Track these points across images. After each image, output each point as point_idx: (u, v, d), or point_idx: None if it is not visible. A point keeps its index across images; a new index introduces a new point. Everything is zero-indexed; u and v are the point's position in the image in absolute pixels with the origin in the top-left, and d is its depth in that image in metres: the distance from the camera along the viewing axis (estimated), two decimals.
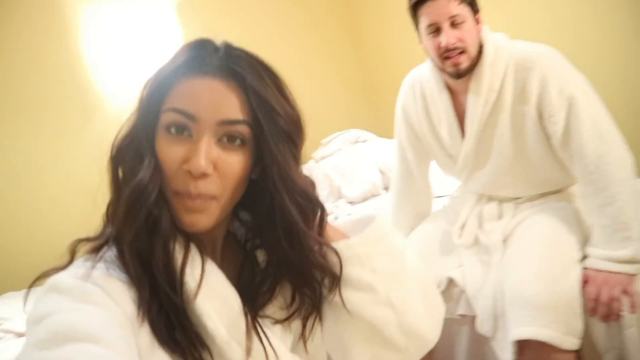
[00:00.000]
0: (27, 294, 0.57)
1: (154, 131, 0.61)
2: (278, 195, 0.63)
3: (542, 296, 1.15)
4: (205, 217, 0.61)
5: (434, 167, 1.66)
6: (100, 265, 0.57)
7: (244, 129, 0.61)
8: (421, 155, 1.60)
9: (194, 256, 0.61)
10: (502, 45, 1.33)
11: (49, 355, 0.46)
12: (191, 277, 0.59)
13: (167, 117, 0.60)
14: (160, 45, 2.47)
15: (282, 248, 0.65)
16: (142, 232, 0.58)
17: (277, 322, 0.67)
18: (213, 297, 0.60)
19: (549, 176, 1.40)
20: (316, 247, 0.66)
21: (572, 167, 1.28)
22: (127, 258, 0.57)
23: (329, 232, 0.70)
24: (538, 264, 1.22)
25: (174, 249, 0.59)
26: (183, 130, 0.60)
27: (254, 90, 0.60)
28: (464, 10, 1.28)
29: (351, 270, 0.67)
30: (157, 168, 0.59)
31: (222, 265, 0.65)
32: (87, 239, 0.61)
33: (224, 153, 0.60)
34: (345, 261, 0.67)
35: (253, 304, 0.65)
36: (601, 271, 1.18)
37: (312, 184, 0.68)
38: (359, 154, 2.66)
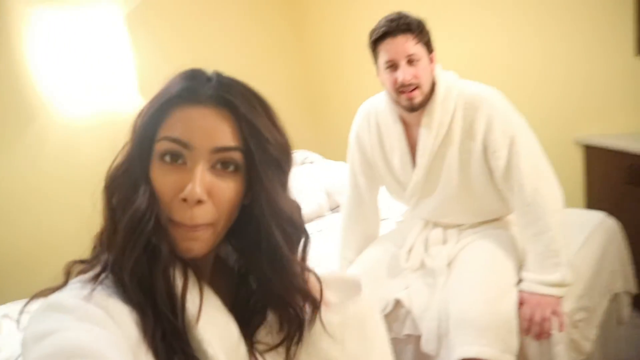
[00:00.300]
0: (21, 313, 0.56)
1: (148, 160, 0.62)
2: (265, 221, 0.65)
3: (483, 318, 1.24)
4: (201, 243, 0.62)
5: (382, 192, 1.75)
6: (101, 288, 0.57)
7: (237, 156, 0.63)
8: (372, 181, 1.68)
9: (193, 282, 0.62)
10: (452, 84, 1.44)
11: None
12: (192, 303, 0.60)
13: (161, 146, 0.61)
14: (108, 53, 2.40)
15: (265, 272, 0.67)
16: (141, 260, 0.58)
17: (270, 348, 0.68)
18: (212, 323, 0.61)
19: (490, 206, 1.52)
20: (299, 272, 0.68)
21: (511, 199, 1.41)
22: (128, 285, 0.57)
23: (310, 278, 0.71)
24: (479, 288, 1.31)
25: (174, 275, 0.60)
26: (178, 158, 0.61)
27: (246, 119, 0.62)
28: (420, 50, 1.37)
29: (321, 340, 0.68)
30: (153, 196, 0.60)
31: (214, 291, 0.66)
32: (82, 261, 0.61)
33: (218, 180, 0.62)
34: (319, 329, 0.68)
35: (247, 330, 0.66)
36: (534, 294, 1.31)
37: (298, 209, 0.70)
38: (305, 175, 2.72)
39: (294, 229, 0.67)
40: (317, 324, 0.69)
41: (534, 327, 1.26)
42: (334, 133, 3.43)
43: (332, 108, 3.40)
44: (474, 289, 1.32)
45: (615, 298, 1.69)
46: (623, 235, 1.79)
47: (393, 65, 1.38)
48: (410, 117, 1.47)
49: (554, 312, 1.27)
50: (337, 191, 2.58)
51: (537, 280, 1.32)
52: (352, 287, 0.74)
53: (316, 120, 3.49)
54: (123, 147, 0.64)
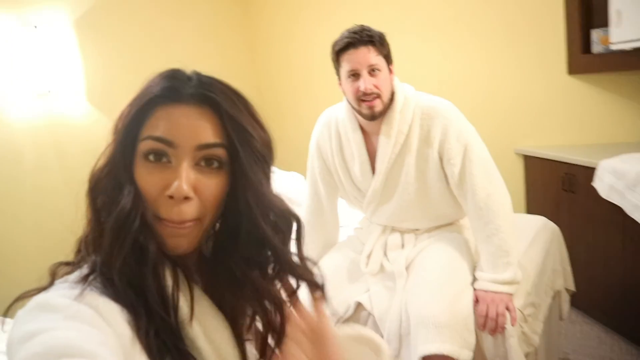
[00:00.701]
0: (5, 314, 0.54)
1: (132, 160, 0.62)
2: (252, 215, 0.65)
3: (442, 316, 1.30)
4: (189, 239, 0.63)
5: (340, 200, 1.79)
6: (91, 289, 0.56)
7: (220, 152, 0.63)
8: (331, 189, 1.72)
9: (182, 280, 0.62)
10: (410, 95, 1.51)
11: None
12: (183, 300, 0.60)
13: (145, 145, 0.62)
14: (54, 57, 2.31)
15: (246, 265, 0.67)
16: (130, 259, 0.58)
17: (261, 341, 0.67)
18: (204, 320, 0.62)
19: (444, 210, 1.60)
20: (295, 260, 0.68)
21: (465, 203, 1.49)
22: (118, 284, 0.57)
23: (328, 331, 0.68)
24: (437, 288, 1.38)
25: (163, 273, 0.60)
26: (162, 157, 0.62)
27: (228, 115, 0.63)
28: (380, 61, 1.43)
29: None
30: (138, 195, 0.60)
31: (202, 287, 0.66)
32: (67, 263, 0.60)
33: (203, 177, 0.63)
34: None
35: (235, 324, 0.67)
36: (488, 292, 1.39)
37: (280, 197, 0.70)
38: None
39: (283, 219, 0.67)
40: None
41: (489, 323, 1.34)
42: (287, 145, 3.45)
43: (285, 121, 3.44)
44: (433, 289, 1.38)
45: (556, 295, 1.82)
46: (562, 238, 1.93)
47: (355, 75, 1.43)
48: (370, 125, 1.53)
49: (507, 308, 1.36)
50: (291, 200, 2.58)
51: (490, 279, 1.40)
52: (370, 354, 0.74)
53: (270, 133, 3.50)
54: (105, 149, 0.64)
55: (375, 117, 1.47)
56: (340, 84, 1.52)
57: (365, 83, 1.41)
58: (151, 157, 0.61)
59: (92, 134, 2.36)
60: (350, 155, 1.61)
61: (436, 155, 1.48)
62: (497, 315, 1.34)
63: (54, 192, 2.25)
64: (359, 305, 1.53)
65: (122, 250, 0.58)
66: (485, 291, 1.39)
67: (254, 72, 3.50)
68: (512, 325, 1.34)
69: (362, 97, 1.44)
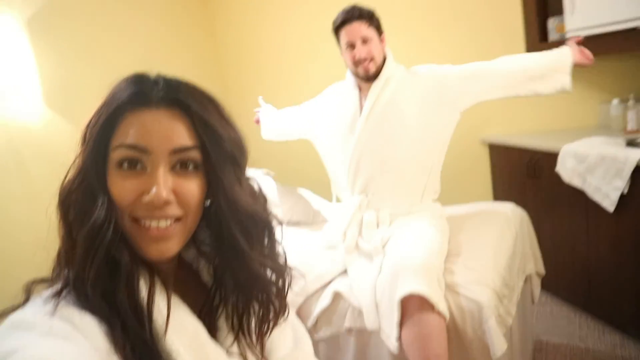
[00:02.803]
0: None
1: (104, 170, 0.61)
2: (224, 217, 0.65)
3: (420, 263, 1.36)
4: (173, 243, 0.62)
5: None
6: (65, 303, 0.55)
7: (195, 155, 0.63)
8: (306, 129, 1.99)
9: (160, 290, 0.61)
10: (398, 65, 1.79)
11: None
12: (158, 312, 0.59)
13: (118, 154, 0.60)
14: (6, 59, 2.20)
15: (234, 270, 0.68)
16: (102, 272, 0.57)
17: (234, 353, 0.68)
18: (181, 332, 0.60)
19: (416, 182, 1.73)
20: (259, 266, 0.68)
21: (488, 87, 1.73)
22: (92, 299, 0.56)
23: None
24: (413, 242, 1.48)
25: (138, 285, 0.59)
26: (136, 164, 0.60)
27: (199, 117, 0.63)
28: (371, 32, 1.71)
29: None
30: (111, 206, 0.59)
31: (181, 296, 0.65)
32: (42, 280, 0.59)
33: (180, 179, 0.62)
34: None
35: (215, 334, 0.67)
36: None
37: (264, 199, 0.72)
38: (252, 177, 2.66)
39: (253, 222, 0.67)
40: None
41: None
42: (252, 143, 3.41)
43: (249, 117, 3.41)
44: (409, 243, 1.49)
45: (528, 280, 1.87)
46: (530, 223, 1.98)
47: (351, 45, 1.70)
48: (366, 86, 1.76)
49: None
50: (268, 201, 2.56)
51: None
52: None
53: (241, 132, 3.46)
54: (74, 161, 0.62)
55: (370, 77, 1.72)
56: (342, 54, 1.78)
57: (359, 52, 1.69)
58: (125, 166, 0.60)
59: (50, 136, 2.27)
60: (346, 108, 1.80)
61: (431, 87, 1.72)
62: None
63: (10, 195, 2.15)
64: (336, 295, 1.53)
65: (95, 263, 0.57)
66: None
67: (218, 64, 3.43)
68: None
69: (358, 62, 1.70)
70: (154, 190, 0.59)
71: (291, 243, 1.89)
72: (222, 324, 0.69)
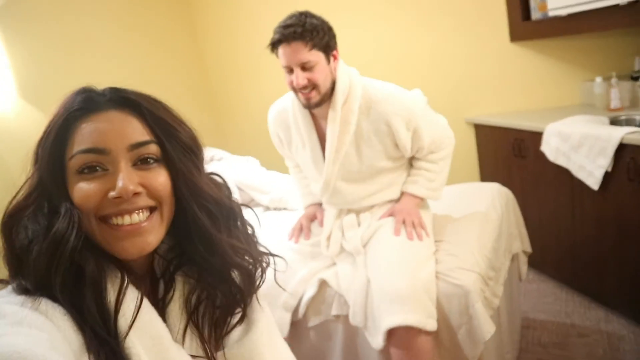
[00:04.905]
0: None
1: (63, 182, 0.61)
2: (189, 205, 0.66)
3: (404, 289, 1.32)
4: (151, 236, 0.63)
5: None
6: (36, 297, 0.55)
7: (154, 149, 0.64)
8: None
9: (129, 293, 0.60)
10: (355, 81, 1.49)
11: None
12: (123, 318, 0.59)
13: (76, 162, 0.60)
14: None
15: (204, 260, 0.68)
16: (68, 280, 0.57)
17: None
18: (143, 335, 0.60)
19: (394, 184, 1.63)
20: (230, 249, 0.69)
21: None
22: (61, 301, 0.56)
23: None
24: (397, 262, 1.40)
25: (106, 289, 0.59)
26: (96, 168, 0.60)
27: (150, 112, 0.64)
28: (314, 55, 1.39)
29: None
30: (74, 214, 0.59)
31: (154, 294, 0.66)
32: (1, 281, 0.59)
33: (145, 173, 0.63)
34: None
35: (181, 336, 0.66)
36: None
37: (227, 188, 0.72)
38: (216, 172, 2.63)
39: (218, 208, 0.68)
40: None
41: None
42: (237, 130, 3.39)
43: (232, 106, 3.37)
44: (392, 264, 1.40)
45: (514, 258, 1.89)
46: (515, 202, 1.99)
47: (289, 70, 1.42)
48: (316, 110, 1.51)
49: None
50: (249, 185, 2.54)
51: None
52: None
53: (219, 120, 3.42)
54: (25, 182, 0.63)
55: (312, 107, 1.47)
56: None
57: (297, 79, 1.40)
58: (86, 171, 0.60)
59: (24, 126, 2.21)
60: (302, 143, 1.60)
61: (388, 142, 1.51)
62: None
63: None
64: (323, 283, 1.53)
65: (59, 271, 0.57)
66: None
67: (201, 61, 3.37)
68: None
69: (296, 90, 1.45)
70: (120, 183, 0.59)
71: (276, 227, 1.90)
72: (174, 310, 0.68)
